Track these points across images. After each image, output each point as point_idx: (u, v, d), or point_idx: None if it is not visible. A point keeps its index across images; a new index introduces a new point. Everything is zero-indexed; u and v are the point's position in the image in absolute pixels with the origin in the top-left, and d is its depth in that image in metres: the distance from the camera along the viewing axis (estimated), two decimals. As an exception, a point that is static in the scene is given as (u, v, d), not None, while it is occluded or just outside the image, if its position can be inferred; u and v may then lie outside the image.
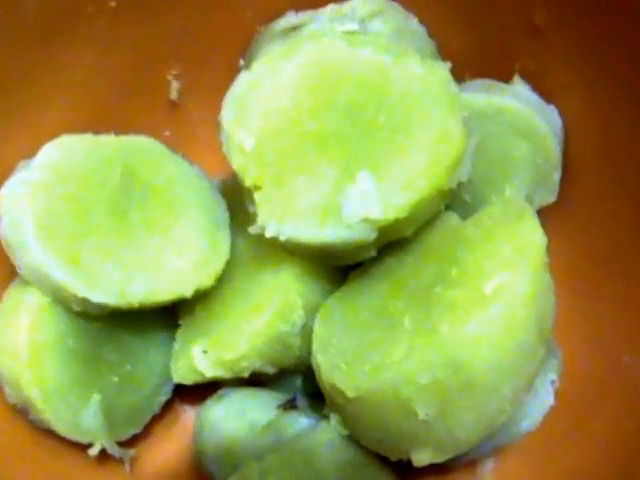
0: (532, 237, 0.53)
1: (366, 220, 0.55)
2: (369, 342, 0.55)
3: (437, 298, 0.54)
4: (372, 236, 0.56)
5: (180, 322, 0.71)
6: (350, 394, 0.54)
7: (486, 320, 0.50)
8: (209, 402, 0.69)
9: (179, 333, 0.70)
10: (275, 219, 0.57)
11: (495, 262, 0.52)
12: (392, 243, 0.60)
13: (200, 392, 0.69)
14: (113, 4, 0.70)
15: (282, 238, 0.57)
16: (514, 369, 0.51)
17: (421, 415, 0.51)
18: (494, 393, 0.51)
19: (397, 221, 0.55)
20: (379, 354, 0.54)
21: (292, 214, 0.57)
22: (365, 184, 0.55)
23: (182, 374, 0.67)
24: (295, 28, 0.68)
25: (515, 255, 0.52)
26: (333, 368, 0.56)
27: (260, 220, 0.57)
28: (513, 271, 0.51)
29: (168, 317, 0.71)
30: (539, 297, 0.52)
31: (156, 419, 0.73)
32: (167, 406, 0.73)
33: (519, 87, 0.69)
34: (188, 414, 0.77)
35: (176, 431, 0.76)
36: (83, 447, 0.65)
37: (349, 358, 0.56)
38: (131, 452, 0.70)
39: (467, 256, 0.55)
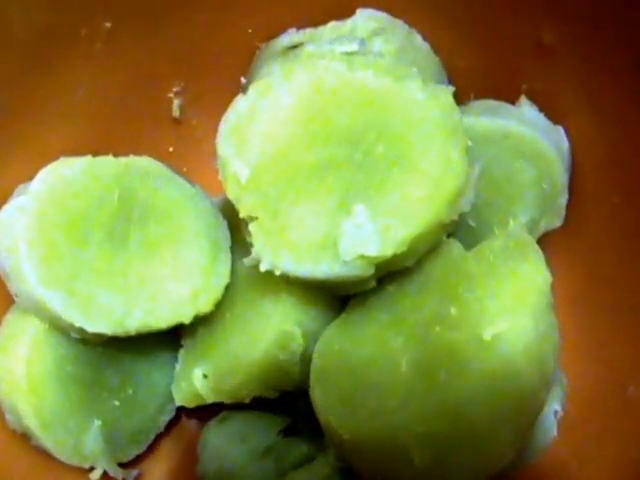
0: (535, 277, 0.50)
1: (362, 257, 0.52)
2: (366, 383, 0.53)
3: (436, 339, 0.51)
4: (370, 272, 0.54)
5: (182, 343, 0.69)
6: (346, 436, 0.52)
7: (486, 369, 0.47)
8: (211, 425, 0.68)
9: (181, 354, 0.69)
10: (270, 253, 0.55)
11: (496, 304, 0.50)
12: (393, 271, 0.57)
13: (206, 408, 0.67)
14: (108, 25, 0.68)
15: (277, 272, 0.55)
16: (515, 416, 0.48)
17: (418, 462, 0.49)
18: (494, 440, 0.48)
19: (395, 256, 0.53)
20: (376, 398, 0.51)
21: (287, 248, 0.54)
22: (361, 219, 0.53)
23: (183, 397, 0.66)
24: (295, 47, 0.65)
25: (517, 298, 0.49)
26: (330, 408, 0.54)
27: (255, 252, 0.55)
28: (515, 316, 0.48)
29: (172, 337, 0.69)
30: (541, 342, 0.49)
31: (161, 437, 0.71)
32: (172, 423, 0.72)
33: (525, 108, 0.65)
34: (193, 430, 0.75)
35: (181, 448, 0.74)
36: (85, 471, 0.65)
37: (346, 398, 0.53)
38: (134, 473, 0.69)
39: (468, 293, 0.52)
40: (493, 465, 0.50)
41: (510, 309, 0.49)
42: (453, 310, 0.51)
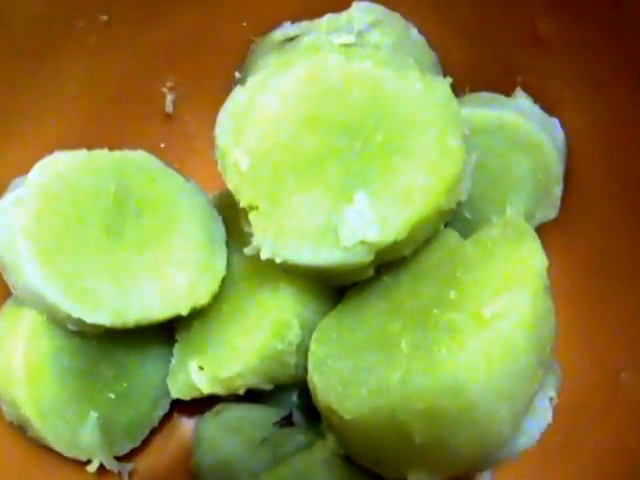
0: (533, 260, 0.51)
1: (363, 243, 0.53)
2: (366, 364, 0.54)
3: (435, 320, 0.52)
4: (369, 258, 0.54)
5: (177, 337, 0.70)
6: (346, 416, 0.52)
7: (484, 346, 0.48)
8: (206, 417, 0.68)
9: (176, 348, 0.69)
10: (270, 241, 0.55)
11: (495, 286, 0.51)
12: (390, 261, 0.59)
13: (198, 404, 0.68)
14: (105, 18, 0.68)
15: (278, 260, 0.55)
16: (513, 394, 0.49)
17: (417, 439, 0.49)
18: (492, 418, 0.49)
19: (395, 242, 0.54)
20: (376, 377, 0.52)
21: (288, 236, 0.55)
22: (361, 205, 0.54)
23: (179, 390, 0.66)
24: (291, 39, 0.66)
25: (515, 279, 0.50)
26: (329, 389, 0.55)
27: (255, 241, 0.56)
28: (513, 296, 0.49)
29: (165, 331, 0.70)
30: (539, 322, 0.50)
31: (154, 432, 0.72)
32: (165, 417, 0.72)
33: (521, 100, 0.67)
34: (186, 426, 0.76)
35: (174, 443, 0.75)
36: (81, 463, 0.65)
37: (345, 380, 0.54)
38: (129, 466, 0.70)
39: (466, 277, 0.53)
40: (492, 444, 0.51)
41: (508, 290, 0.50)
42: (452, 293, 0.52)
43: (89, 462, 0.64)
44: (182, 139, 0.80)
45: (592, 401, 0.65)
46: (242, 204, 0.57)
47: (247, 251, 0.57)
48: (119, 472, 0.68)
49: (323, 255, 0.54)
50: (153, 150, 0.68)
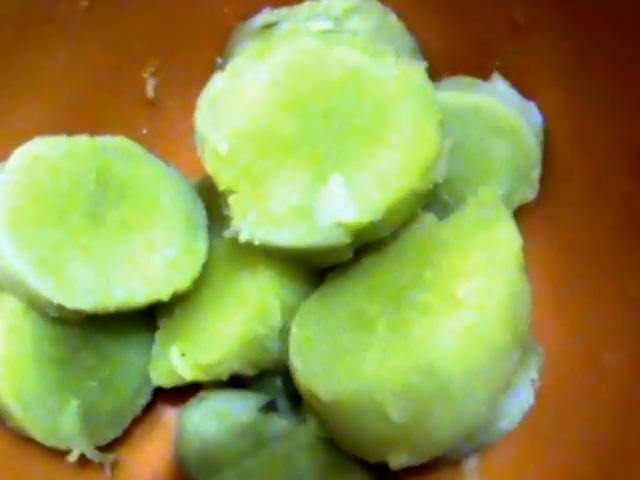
0: (507, 240, 0.54)
1: (339, 224, 0.56)
2: (344, 346, 0.57)
3: (411, 301, 0.55)
4: (346, 240, 0.57)
5: (158, 323, 0.72)
6: (325, 399, 0.55)
7: (459, 326, 0.51)
8: (189, 405, 0.70)
9: (158, 335, 0.71)
10: (249, 223, 0.58)
11: (469, 266, 0.53)
12: (369, 243, 0.61)
13: (181, 392, 0.70)
14: (85, 4, 0.71)
15: (256, 242, 0.58)
16: (489, 373, 0.52)
17: (395, 420, 0.52)
18: (469, 397, 0.52)
19: (371, 224, 0.57)
20: (353, 359, 0.55)
21: (266, 218, 0.58)
22: (337, 188, 0.57)
23: (161, 377, 0.69)
24: (270, 26, 0.69)
25: (489, 259, 0.53)
26: (309, 373, 0.57)
27: (234, 224, 0.59)
28: (487, 275, 0.52)
29: (147, 318, 0.72)
30: (514, 301, 0.53)
31: (137, 421, 0.74)
32: (148, 408, 0.74)
33: (498, 84, 0.70)
34: (169, 415, 0.78)
35: (157, 433, 0.77)
36: (63, 453, 0.66)
37: (325, 362, 0.57)
38: (112, 456, 0.71)
39: (442, 259, 0.56)
40: (469, 422, 0.53)
41: (483, 270, 0.53)
42: (427, 274, 0.55)
43: (70, 452, 0.66)
44: (164, 124, 0.82)
45: (575, 385, 0.67)
46: (221, 187, 0.60)
47: (226, 234, 0.60)
48: (100, 462, 0.69)
49: (301, 237, 0.57)
50: (135, 136, 0.70)
